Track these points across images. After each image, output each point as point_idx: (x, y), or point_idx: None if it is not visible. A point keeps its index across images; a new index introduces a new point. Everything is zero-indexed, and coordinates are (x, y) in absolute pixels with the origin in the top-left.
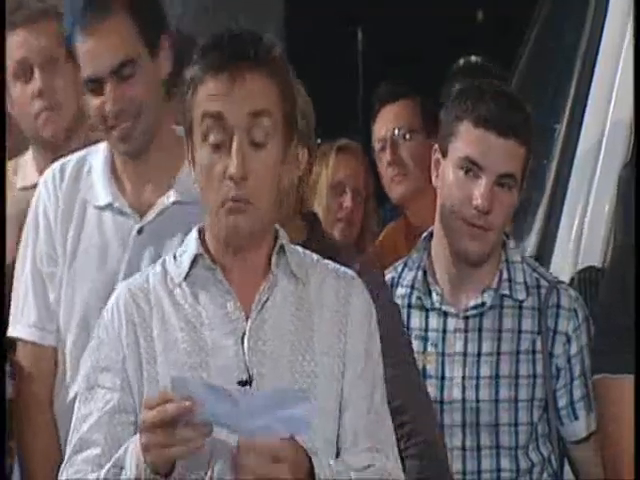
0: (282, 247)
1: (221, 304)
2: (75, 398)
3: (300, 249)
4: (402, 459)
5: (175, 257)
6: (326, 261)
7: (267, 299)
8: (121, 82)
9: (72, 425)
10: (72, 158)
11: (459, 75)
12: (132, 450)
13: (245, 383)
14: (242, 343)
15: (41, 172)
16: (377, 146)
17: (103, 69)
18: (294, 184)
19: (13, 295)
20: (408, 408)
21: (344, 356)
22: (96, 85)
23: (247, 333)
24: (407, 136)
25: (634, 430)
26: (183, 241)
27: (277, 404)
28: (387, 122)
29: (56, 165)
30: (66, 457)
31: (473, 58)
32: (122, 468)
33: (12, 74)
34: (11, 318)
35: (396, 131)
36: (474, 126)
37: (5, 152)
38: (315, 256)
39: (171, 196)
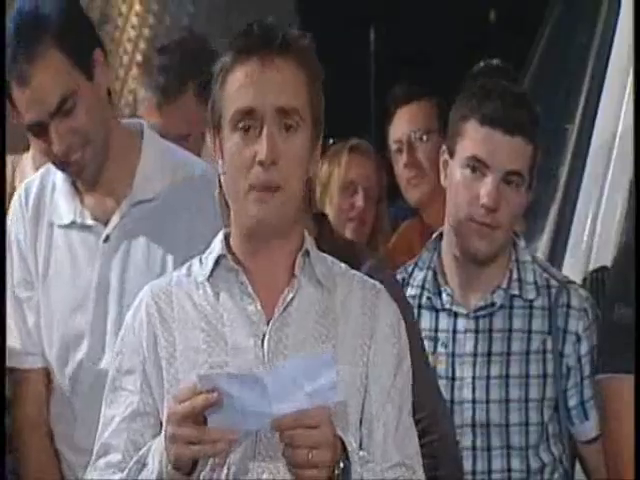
0: (307, 252)
1: (242, 306)
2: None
3: (329, 258)
4: None
5: (201, 260)
6: (353, 271)
7: (290, 302)
8: (64, 118)
9: (99, 427)
10: (36, 177)
11: (479, 77)
12: (156, 447)
13: None
14: (262, 345)
15: (37, 170)
16: (393, 147)
17: (43, 114)
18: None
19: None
20: (422, 406)
21: (368, 369)
22: (39, 129)
23: (267, 335)
24: (424, 138)
25: (634, 430)
26: (153, 239)
27: (304, 376)
28: (403, 124)
29: (21, 188)
30: (92, 460)
31: (494, 61)
32: (145, 465)
33: None
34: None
35: (413, 133)
36: (480, 125)
37: (5, 152)
38: (343, 266)
39: (131, 198)
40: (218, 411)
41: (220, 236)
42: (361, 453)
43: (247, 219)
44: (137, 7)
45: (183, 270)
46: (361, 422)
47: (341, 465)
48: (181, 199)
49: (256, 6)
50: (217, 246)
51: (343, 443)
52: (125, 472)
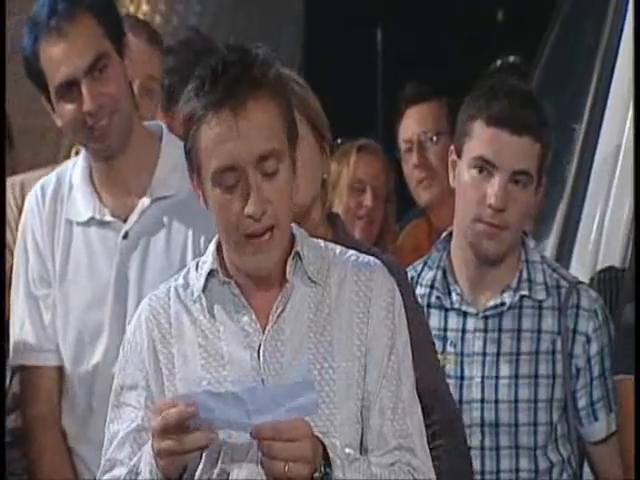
0: (297, 254)
1: (237, 318)
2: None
3: (321, 243)
4: None
5: (197, 267)
6: (348, 253)
7: (283, 309)
8: (95, 81)
9: (105, 442)
10: (52, 176)
11: (496, 75)
12: (146, 456)
13: None
14: (258, 357)
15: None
16: (403, 147)
17: (78, 69)
18: (319, 187)
19: (11, 321)
20: (432, 411)
21: (365, 356)
22: (69, 89)
23: (262, 345)
24: (434, 139)
25: (634, 430)
26: (171, 236)
27: (284, 397)
28: (414, 124)
29: (37, 186)
30: (97, 476)
31: (511, 58)
32: (138, 474)
33: None
34: (11, 346)
35: (423, 134)
36: (487, 125)
37: (5, 152)
38: (338, 249)
39: (150, 195)
40: (198, 423)
41: (212, 247)
42: (347, 450)
43: (245, 265)
44: (144, 7)
45: (180, 279)
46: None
47: (322, 470)
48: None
49: (263, 7)
50: (209, 258)
51: (325, 447)
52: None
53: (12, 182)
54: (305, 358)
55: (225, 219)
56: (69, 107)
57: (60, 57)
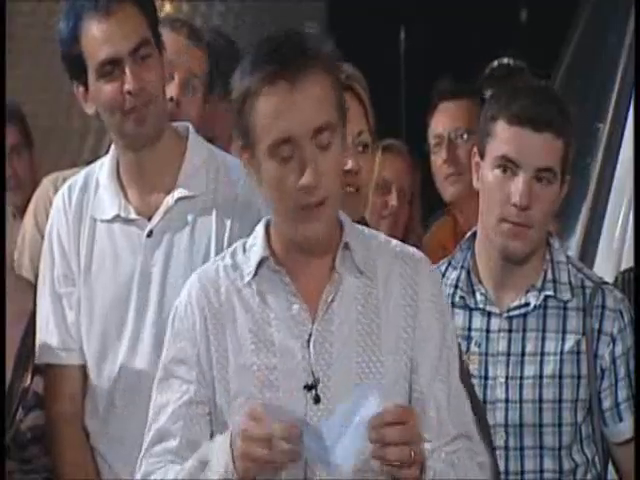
0: (346, 244)
1: (287, 306)
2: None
3: (365, 230)
4: None
5: (245, 249)
6: (393, 243)
7: (333, 299)
8: (139, 63)
9: (150, 415)
10: (80, 176)
11: (491, 78)
12: (220, 449)
13: (311, 387)
14: (308, 346)
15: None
16: (433, 141)
17: (123, 49)
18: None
19: (37, 319)
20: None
21: (413, 350)
22: (112, 68)
23: (313, 336)
24: (465, 136)
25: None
26: (195, 235)
27: (352, 413)
28: (446, 119)
29: (64, 186)
30: (144, 448)
31: (506, 60)
32: (206, 464)
33: None
34: (37, 344)
35: (454, 131)
36: (508, 124)
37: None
38: (381, 237)
39: (175, 194)
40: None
41: (261, 232)
42: (426, 445)
43: (297, 236)
44: (167, 7)
45: (228, 259)
46: (410, 402)
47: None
48: (224, 201)
49: (286, 5)
50: (259, 244)
51: None
52: (186, 469)
53: (56, 177)
54: (352, 365)
55: (280, 191)
56: (109, 87)
57: (105, 36)
